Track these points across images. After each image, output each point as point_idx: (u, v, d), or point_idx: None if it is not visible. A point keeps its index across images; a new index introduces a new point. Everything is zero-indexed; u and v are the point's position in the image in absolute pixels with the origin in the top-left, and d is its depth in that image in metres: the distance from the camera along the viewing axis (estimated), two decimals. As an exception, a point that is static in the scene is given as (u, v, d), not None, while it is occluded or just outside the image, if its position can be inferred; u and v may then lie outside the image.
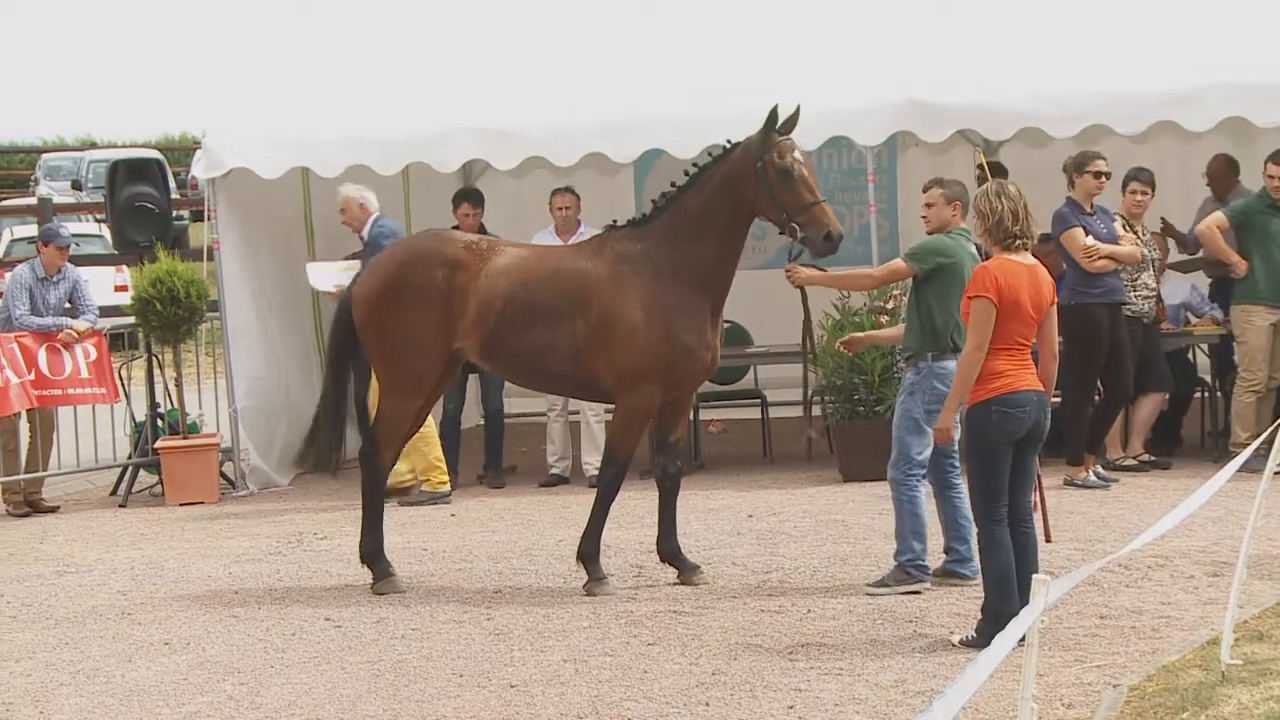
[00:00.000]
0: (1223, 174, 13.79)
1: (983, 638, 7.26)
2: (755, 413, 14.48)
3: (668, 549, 9.41)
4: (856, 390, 12.37)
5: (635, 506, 11.85)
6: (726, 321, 11.03)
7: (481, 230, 13.04)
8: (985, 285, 7.49)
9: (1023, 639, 4.57)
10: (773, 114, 8.99)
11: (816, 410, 12.42)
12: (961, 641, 7.61)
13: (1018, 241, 7.58)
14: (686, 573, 9.32)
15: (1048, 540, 9.16)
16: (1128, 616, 8.09)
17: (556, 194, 13.43)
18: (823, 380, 12.55)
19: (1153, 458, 12.65)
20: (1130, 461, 12.54)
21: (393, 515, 9.92)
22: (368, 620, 8.74)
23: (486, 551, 10.52)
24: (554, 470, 13.47)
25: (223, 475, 13.67)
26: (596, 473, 13.14)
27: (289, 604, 9.26)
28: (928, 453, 8.69)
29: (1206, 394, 13.57)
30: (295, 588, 9.71)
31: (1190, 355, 13.79)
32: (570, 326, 9.08)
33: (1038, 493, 8.87)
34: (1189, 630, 7.81)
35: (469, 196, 13.72)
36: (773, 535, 10.62)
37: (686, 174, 9.23)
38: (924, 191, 9.00)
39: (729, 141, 9.22)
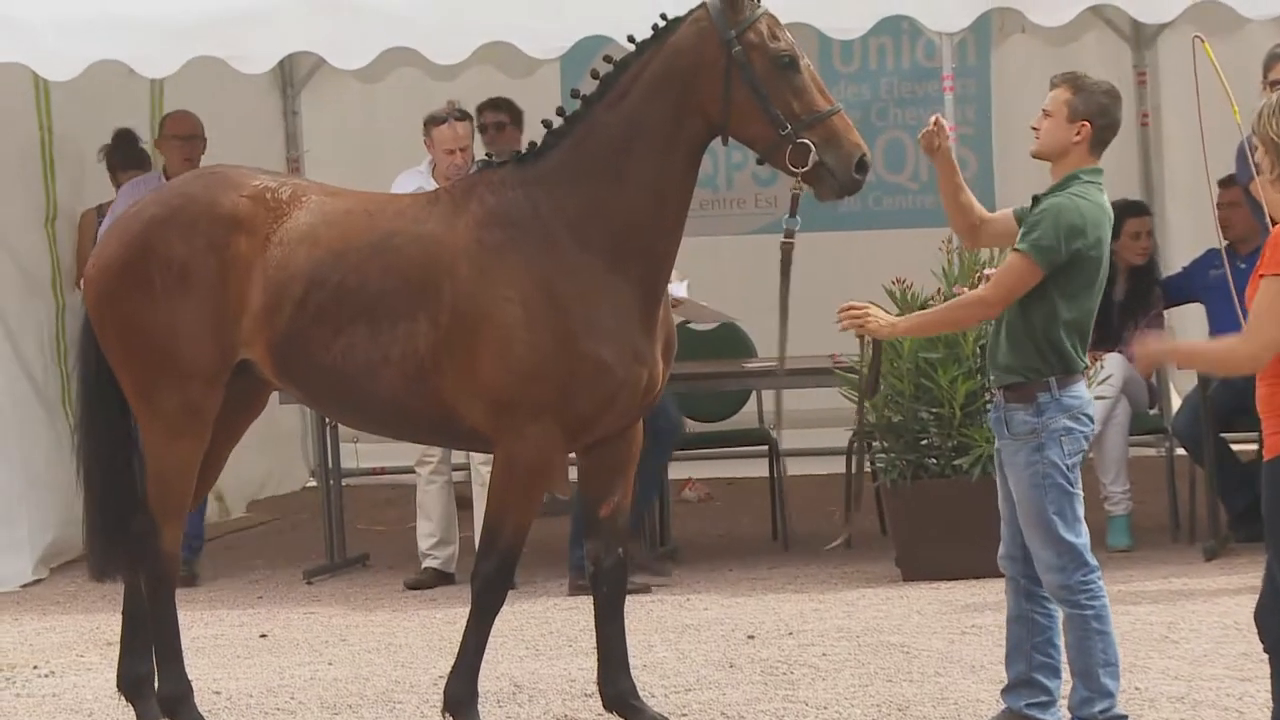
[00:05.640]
0: None
1: None
2: (760, 468, 14.64)
3: (615, 691, 9.54)
4: (925, 432, 12.63)
5: (564, 621, 12.07)
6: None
7: None
8: None
9: None
10: None
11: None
12: None
13: None
14: (645, 731, 9.57)
15: None
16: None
17: (436, 126, 13.45)
18: (870, 416, 12.42)
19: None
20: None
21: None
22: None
23: (317, 695, 10.63)
24: (429, 562, 13.60)
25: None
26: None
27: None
28: (1086, 534, 8.82)
29: None
30: (4, 753, 9.79)
31: None
32: (410, 328, 9.23)
33: None
34: None
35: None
36: (788, 668, 10.75)
37: (595, 75, 9.36)
38: (1050, 89, 9.11)
39: (664, 17, 9.31)
